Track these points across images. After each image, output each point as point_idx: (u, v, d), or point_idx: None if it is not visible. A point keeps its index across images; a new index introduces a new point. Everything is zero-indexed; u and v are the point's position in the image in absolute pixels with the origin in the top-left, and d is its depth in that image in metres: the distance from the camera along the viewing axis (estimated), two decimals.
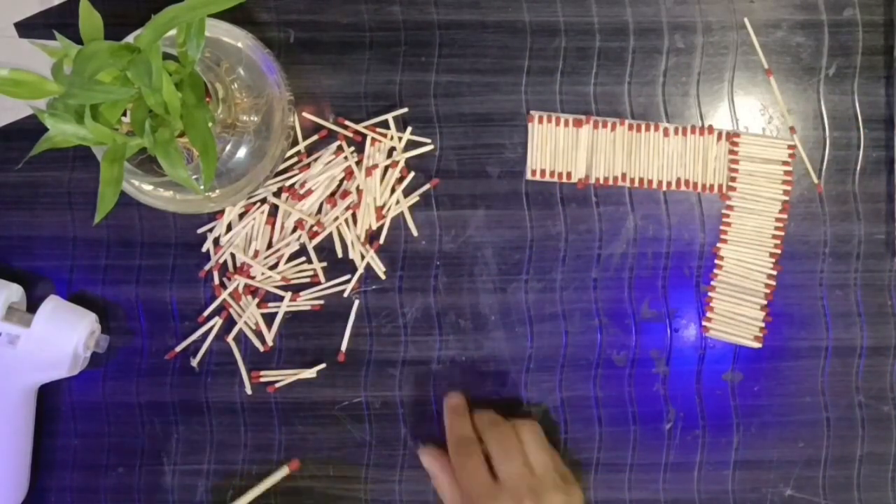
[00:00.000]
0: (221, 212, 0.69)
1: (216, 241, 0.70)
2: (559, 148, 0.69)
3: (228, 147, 0.64)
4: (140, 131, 0.56)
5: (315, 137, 0.70)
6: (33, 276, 0.70)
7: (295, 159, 0.69)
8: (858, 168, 0.69)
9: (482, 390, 0.69)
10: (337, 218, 0.69)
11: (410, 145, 0.69)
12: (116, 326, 0.70)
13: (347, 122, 0.69)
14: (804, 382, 0.69)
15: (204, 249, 0.70)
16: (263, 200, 0.69)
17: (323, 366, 0.70)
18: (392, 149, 0.69)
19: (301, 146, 0.69)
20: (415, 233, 0.70)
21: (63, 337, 0.67)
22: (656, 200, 0.70)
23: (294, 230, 0.70)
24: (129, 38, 0.61)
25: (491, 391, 0.69)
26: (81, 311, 0.68)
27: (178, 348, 0.70)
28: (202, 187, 0.61)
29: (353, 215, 0.69)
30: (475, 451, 0.64)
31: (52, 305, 0.67)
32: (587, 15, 0.69)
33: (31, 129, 0.68)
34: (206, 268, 0.70)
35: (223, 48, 0.65)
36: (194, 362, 0.70)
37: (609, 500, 0.69)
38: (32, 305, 0.68)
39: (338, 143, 0.69)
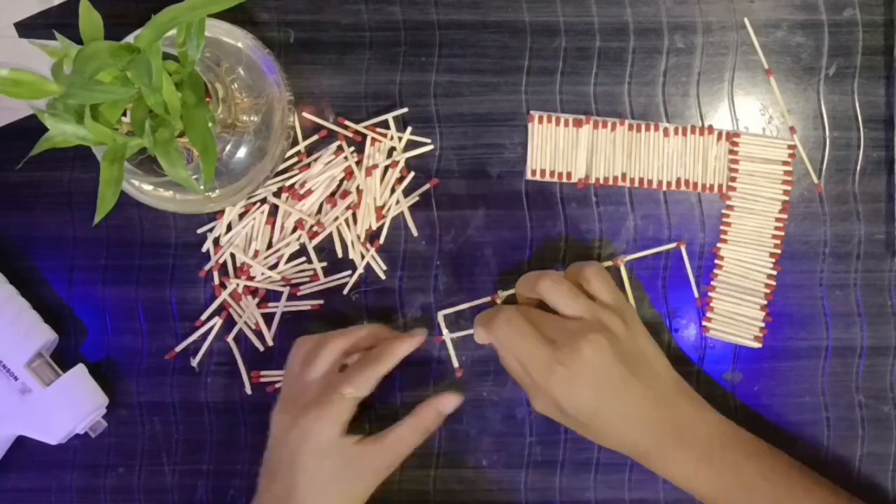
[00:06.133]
0: (221, 212, 0.69)
1: (216, 241, 0.70)
2: (559, 148, 0.69)
3: (228, 147, 0.64)
4: (140, 131, 0.56)
5: (315, 137, 0.70)
6: (33, 276, 0.70)
7: (295, 159, 0.69)
8: (858, 168, 0.69)
9: (482, 391, 0.69)
10: (337, 218, 0.69)
11: (410, 145, 0.69)
12: (116, 326, 0.70)
13: (347, 122, 0.69)
14: (804, 382, 0.69)
15: (204, 249, 0.70)
16: (263, 200, 0.69)
17: None
18: (392, 149, 0.69)
19: (301, 146, 0.69)
20: (415, 233, 0.70)
21: (72, 412, 0.66)
22: (656, 200, 0.70)
23: (294, 230, 0.70)
24: (129, 38, 0.61)
25: (491, 391, 0.69)
26: (99, 393, 0.68)
27: (178, 348, 0.70)
28: (202, 187, 0.61)
29: (353, 215, 0.69)
30: (523, 322, 0.62)
31: (78, 377, 0.67)
32: (587, 15, 0.69)
33: (31, 129, 0.68)
34: (206, 268, 0.70)
35: (223, 48, 0.65)
36: (194, 362, 0.70)
37: (609, 499, 0.69)
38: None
39: (338, 143, 0.69)
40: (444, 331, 0.69)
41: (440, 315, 0.69)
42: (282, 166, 0.69)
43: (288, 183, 0.69)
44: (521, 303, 0.66)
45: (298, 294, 0.70)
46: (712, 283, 0.69)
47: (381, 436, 0.63)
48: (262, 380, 0.70)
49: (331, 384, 0.63)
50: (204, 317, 0.70)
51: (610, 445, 0.63)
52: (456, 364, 0.69)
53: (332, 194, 0.70)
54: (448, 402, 0.65)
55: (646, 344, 0.64)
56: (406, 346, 0.65)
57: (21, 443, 0.68)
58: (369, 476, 0.63)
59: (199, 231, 0.70)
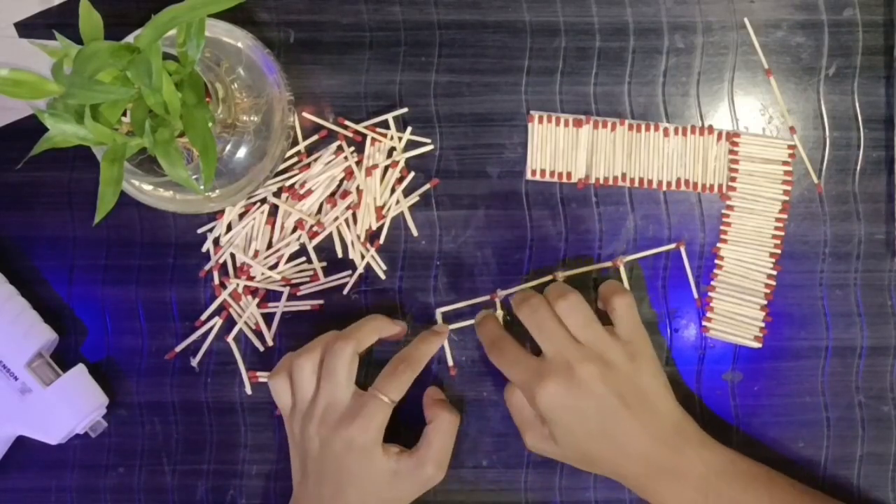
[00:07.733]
0: (221, 212, 0.69)
1: (216, 241, 0.70)
2: (559, 148, 0.69)
3: (228, 147, 0.64)
4: (140, 131, 0.56)
5: (315, 137, 0.70)
6: (33, 276, 0.70)
7: (295, 159, 0.69)
8: (858, 168, 0.69)
9: (482, 391, 0.69)
10: (337, 218, 0.69)
11: (410, 145, 0.69)
12: (116, 326, 0.70)
13: (347, 122, 0.69)
14: (804, 382, 0.69)
15: (204, 249, 0.70)
16: (263, 200, 0.69)
17: None
18: (392, 149, 0.69)
19: (301, 146, 0.69)
20: (415, 233, 0.70)
21: (72, 412, 0.66)
22: (656, 200, 0.70)
23: (294, 230, 0.70)
24: (129, 38, 0.61)
25: (491, 391, 0.69)
26: (99, 393, 0.68)
27: (178, 348, 0.70)
28: (202, 187, 0.61)
29: (353, 215, 0.69)
30: (507, 341, 0.64)
31: (78, 377, 0.67)
32: (587, 15, 0.69)
33: (31, 129, 0.68)
34: (206, 268, 0.70)
35: (223, 48, 0.65)
36: (194, 362, 0.70)
37: (609, 499, 0.69)
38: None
39: (338, 143, 0.69)
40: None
41: (438, 312, 0.69)
42: (282, 166, 0.69)
43: (288, 183, 0.69)
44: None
45: (298, 294, 0.70)
46: (712, 283, 0.69)
47: (414, 450, 0.65)
48: (262, 380, 0.70)
49: (361, 392, 0.63)
50: (204, 317, 0.70)
51: (604, 473, 0.64)
52: (451, 363, 0.69)
53: (332, 194, 0.70)
54: (435, 390, 0.68)
55: (650, 382, 0.63)
56: (433, 345, 0.67)
57: (21, 443, 0.68)
58: (412, 488, 0.64)
59: (199, 231, 0.70)
